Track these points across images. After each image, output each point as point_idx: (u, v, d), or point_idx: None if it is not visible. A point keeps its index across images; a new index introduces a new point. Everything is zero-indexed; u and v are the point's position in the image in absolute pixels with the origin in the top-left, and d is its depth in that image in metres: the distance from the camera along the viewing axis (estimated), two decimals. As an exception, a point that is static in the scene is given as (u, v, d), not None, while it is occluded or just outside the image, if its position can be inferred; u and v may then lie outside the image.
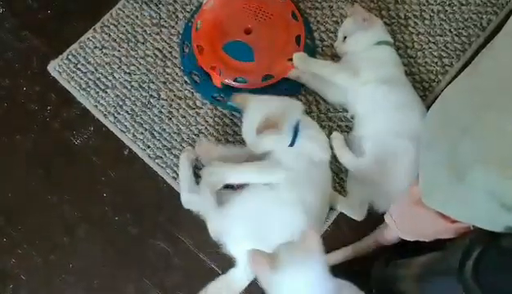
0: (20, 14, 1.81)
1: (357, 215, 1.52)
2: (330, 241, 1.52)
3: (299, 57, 1.59)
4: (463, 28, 1.77)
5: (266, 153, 1.47)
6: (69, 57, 1.73)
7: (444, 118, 1.30)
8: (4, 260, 1.54)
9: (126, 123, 1.66)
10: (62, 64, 1.72)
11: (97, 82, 1.71)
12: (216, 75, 1.59)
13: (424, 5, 1.80)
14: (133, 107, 1.67)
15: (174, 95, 1.68)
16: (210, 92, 1.66)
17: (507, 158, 1.02)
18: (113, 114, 1.67)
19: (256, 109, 1.43)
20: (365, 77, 1.54)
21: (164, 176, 1.60)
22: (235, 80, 1.59)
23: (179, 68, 1.71)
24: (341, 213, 1.55)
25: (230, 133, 1.64)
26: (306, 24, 1.72)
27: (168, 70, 1.71)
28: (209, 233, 1.46)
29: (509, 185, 1.01)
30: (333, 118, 1.65)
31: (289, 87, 1.67)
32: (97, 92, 1.69)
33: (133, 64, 1.72)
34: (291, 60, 1.60)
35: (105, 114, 1.67)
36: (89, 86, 1.70)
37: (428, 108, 1.49)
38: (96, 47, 1.74)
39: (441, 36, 1.76)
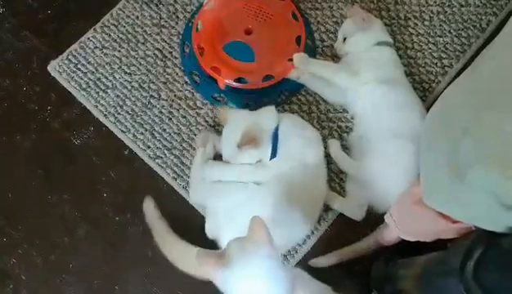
0: (21, 14, 1.81)
1: (357, 215, 1.52)
2: (330, 241, 1.53)
3: (300, 57, 1.59)
4: (462, 30, 1.77)
5: None
6: (70, 57, 1.73)
7: (445, 119, 1.30)
8: (4, 260, 1.54)
9: (126, 123, 1.66)
10: (62, 65, 1.72)
11: (98, 82, 1.71)
12: (220, 78, 1.59)
13: (424, 6, 1.80)
14: (134, 107, 1.67)
15: (174, 96, 1.69)
16: (210, 92, 1.67)
17: (507, 158, 1.02)
18: (113, 114, 1.67)
19: (235, 124, 1.46)
20: (365, 77, 1.55)
21: (164, 176, 1.60)
22: (235, 80, 1.59)
23: (179, 68, 1.71)
24: (341, 213, 1.55)
25: (230, 133, 1.64)
26: (306, 24, 1.72)
27: (168, 70, 1.71)
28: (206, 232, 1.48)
29: (510, 185, 1.01)
30: (333, 119, 1.66)
31: (290, 88, 1.67)
32: (98, 92, 1.69)
33: (134, 65, 1.72)
34: (291, 60, 1.60)
35: (105, 114, 1.67)
36: (89, 87, 1.70)
37: (427, 108, 1.49)
38: (96, 47, 1.74)
39: (440, 37, 1.76)
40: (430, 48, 1.75)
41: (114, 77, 1.71)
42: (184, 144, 1.63)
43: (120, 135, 1.65)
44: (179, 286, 1.50)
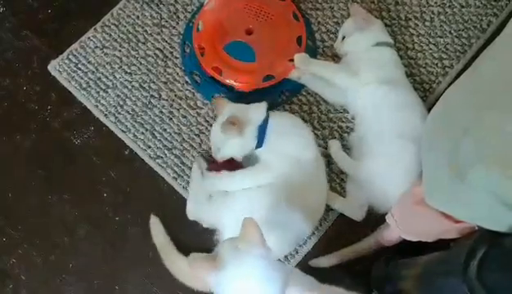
0: (21, 13, 1.80)
1: (357, 215, 1.52)
2: (330, 241, 1.53)
3: (300, 58, 1.59)
4: (463, 30, 1.77)
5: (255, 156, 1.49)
6: (70, 57, 1.73)
7: (445, 119, 1.30)
8: (4, 260, 1.54)
9: (127, 123, 1.65)
10: (63, 64, 1.72)
11: (98, 81, 1.70)
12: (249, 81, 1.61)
13: (425, 6, 1.80)
14: (134, 107, 1.67)
15: (175, 96, 1.68)
16: (211, 92, 1.66)
17: (508, 157, 1.02)
18: (113, 114, 1.66)
19: (225, 114, 1.46)
20: (365, 78, 1.55)
21: (165, 176, 1.60)
22: (236, 80, 1.59)
23: (180, 68, 1.71)
24: (341, 214, 1.55)
25: (230, 133, 1.64)
26: (307, 24, 1.72)
27: (168, 70, 1.71)
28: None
29: (511, 185, 1.01)
30: (333, 119, 1.66)
31: (290, 88, 1.67)
32: (98, 92, 1.69)
33: (134, 64, 1.72)
34: (292, 60, 1.60)
35: (105, 114, 1.66)
36: (90, 86, 1.70)
37: (428, 109, 1.50)
38: (96, 47, 1.74)
39: (441, 37, 1.76)
40: (431, 49, 1.75)
41: (115, 77, 1.71)
42: (184, 144, 1.63)
43: (121, 135, 1.64)
44: (179, 286, 1.49)
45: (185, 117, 1.66)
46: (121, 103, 1.68)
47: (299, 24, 1.66)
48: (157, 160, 1.61)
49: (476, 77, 1.29)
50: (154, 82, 1.70)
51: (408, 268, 1.32)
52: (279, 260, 1.50)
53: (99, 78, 1.71)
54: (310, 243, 1.53)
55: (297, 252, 1.52)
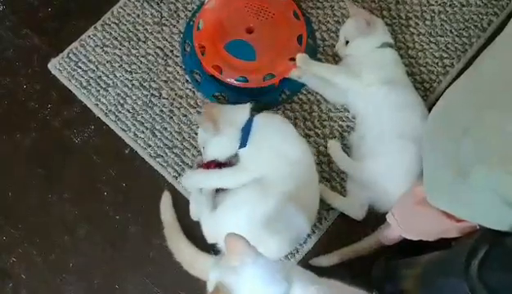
0: (21, 12, 1.80)
1: (357, 215, 1.52)
2: (331, 241, 1.53)
3: (301, 58, 1.59)
4: (464, 29, 1.77)
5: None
6: (70, 55, 1.73)
7: (446, 118, 1.30)
8: (4, 259, 1.53)
9: (127, 122, 1.65)
10: (63, 63, 1.72)
11: (98, 80, 1.70)
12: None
13: (425, 5, 1.80)
14: (134, 106, 1.67)
15: (175, 94, 1.68)
16: (211, 91, 1.66)
17: (508, 157, 1.02)
18: (114, 113, 1.66)
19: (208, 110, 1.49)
20: (367, 79, 1.55)
21: (165, 175, 1.60)
22: (237, 79, 1.59)
23: (180, 67, 1.71)
24: (341, 213, 1.55)
25: (231, 132, 1.64)
26: (308, 23, 1.72)
27: (169, 69, 1.71)
28: (205, 237, 1.47)
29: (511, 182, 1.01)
30: (334, 118, 1.66)
31: (291, 87, 1.67)
32: (98, 91, 1.69)
33: (134, 63, 1.72)
34: (292, 59, 1.60)
35: (105, 113, 1.66)
36: (90, 85, 1.69)
37: (429, 108, 1.50)
38: (97, 46, 1.74)
39: (442, 36, 1.76)
40: (431, 48, 1.75)
41: (115, 76, 1.70)
42: (185, 143, 1.62)
43: (121, 134, 1.64)
44: (180, 285, 1.50)
45: (185, 115, 1.66)
46: (121, 102, 1.67)
47: (300, 23, 1.66)
48: (157, 159, 1.61)
49: (476, 77, 1.29)
50: (154, 81, 1.70)
51: (409, 267, 1.32)
52: (279, 259, 1.50)
53: (99, 77, 1.70)
54: (310, 242, 1.53)
55: (297, 251, 1.52)
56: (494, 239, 1.03)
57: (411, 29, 1.77)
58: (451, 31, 1.77)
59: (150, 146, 1.63)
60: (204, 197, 1.49)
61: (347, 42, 1.63)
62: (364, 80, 1.54)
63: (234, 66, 1.60)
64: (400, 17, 1.78)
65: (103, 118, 1.66)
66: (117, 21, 1.77)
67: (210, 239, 1.48)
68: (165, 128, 1.64)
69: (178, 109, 1.67)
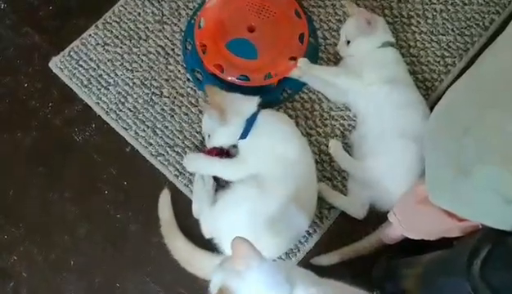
0: (22, 10, 1.80)
1: (358, 214, 1.52)
2: (332, 240, 1.53)
3: (303, 63, 1.59)
4: (465, 28, 1.77)
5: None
6: (71, 54, 1.72)
7: (448, 117, 1.30)
8: (5, 258, 1.53)
9: (128, 120, 1.65)
10: (64, 61, 1.71)
11: (99, 78, 1.70)
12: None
13: (427, 4, 1.80)
14: (135, 104, 1.67)
15: (176, 93, 1.68)
16: (213, 90, 1.66)
17: (508, 156, 1.02)
18: (115, 111, 1.66)
19: (215, 98, 1.48)
20: (368, 78, 1.54)
21: (166, 174, 1.59)
22: (238, 78, 1.58)
23: (182, 65, 1.71)
24: (342, 212, 1.54)
25: (232, 130, 1.63)
26: (309, 22, 1.71)
27: (170, 67, 1.71)
28: (203, 233, 1.48)
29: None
30: (335, 117, 1.65)
31: (292, 85, 1.67)
32: (99, 89, 1.68)
33: (135, 61, 1.71)
34: (293, 59, 1.60)
35: (106, 111, 1.66)
36: (91, 83, 1.69)
37: (430, 107, 1.49)
38: (98, 44, 1.74)
39: (443, 35, 1.76)
40: (433, 46, 1.74)
41: (116, 74, 1.70)
42: (186, 142, 1.62)
43: (122, 133, 1.64)
44: (180, 283, 1.49)
45: (186, 114, 1.65)
46: (122, 100, 1.67)
47: (302, 22, 1.66)
48: (158, 158, 1.61)
49: (478, 76, 1.28)
50: (155, 80, 1.69)
51: (410, 267, 1.32)
52: (280, 257, 1.50)
53: (100, 75, 1.70)
54: (311, 241, 1.53)
55: (298, 250, 1.52)
56: (496, 238, 1.03)
57: (413, 28, 1.76)
58: (452, 30, 1.76)
59: (151, 145, 1.62)
60: (205, 193, 1.50)
61: (348, 42, 1.63)
62: (365, 80, 1.54)
63: (235, 65, 1.59)
64: (402, 16, 1.78)
65: (104, 117, 1.66)
66: (118, 20, 1.77)
67: (207, 234, 1.48)
68: (166, 127, 1.64)
69: (179, 107, 1.66)
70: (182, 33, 1.74)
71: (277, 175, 1.43)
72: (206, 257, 1.45)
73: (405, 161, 1.46)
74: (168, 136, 1.63)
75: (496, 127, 1.07)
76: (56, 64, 1.71)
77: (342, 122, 1.65)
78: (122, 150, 1.63)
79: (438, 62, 1.72)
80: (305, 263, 1.50)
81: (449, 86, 1.43)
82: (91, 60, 1.72)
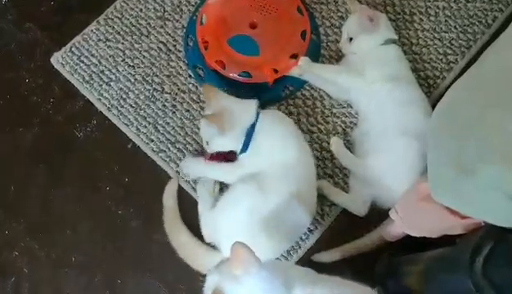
0: (23, 5, 1.79)
1: (360, 211, 1.52)
2: (333, 237, 1.53)
3: (304, 62, 1.59)
4: (468, 25, 1.76)
5: None
6: (73, 49, 1.72)
7: (450, 116, 1.29)
8: (6, 254, 1.53)
9: (129, 117, 1.65)
10: (66, 57, 1.71)
11: (101, 74, 1.69)
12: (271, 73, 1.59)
13: (430, 1, 1.79)
14: (137, 100, 1.67)
15: (178, 89, 1.68)
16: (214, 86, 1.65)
17: (509, 155, 1.01)
18: (116, 107, 1.66)
19: (216, 107, 1.45)
20: (370, 76, 1.54)
21: (168, 170, 1.59)
22: (240, 74, 1.58)
23: (183, 61, 1.70)
24: (344, 209, 1.54)
25: (234, 127, 1.63)
26: (311, 19, 1.71)
27: (172, 64, 1.70)
28: (204, 238, 1.48)
29: None
30: (337, 114, 1.65)
31: (294, 82, 1.67)
32: (101, 85, 1.68)
33: (137, 57, 1.71)
34: (294, 56, 1.60)
35: (108, 107, 1.66)
36: (92, 79, 1.69)
37: (432, 105, 1.49)
38: (99, 40, 1.73)
39: (446, 32, 1.75)
40: (435, 44, 1.74)
41: (118, 70, 1.70)
42: (188, 138, 1.62)
43: (123, 129, 1.64)
44: (181, 280, 1.50)
45: (188, 110, 1.65)
46: (124, 96, 1.67)
47: (304, 19, 1.65)
48: (160, 154, 1.61)
49: (480, 75, 1.28)
50: (157, 76, 1.69)
51: (412, 264, 1.32)
52: (281, 254, 1.50)
53: (102, 71, 1.70)
54: (313, 238, 1.53)
55: (299, 247, 1.52)
56: (499, 236, 1.03)
57: (415, 25, 1.76)
58: (455, 27, 1.76)
59: (152, 141, 1.62)
60: (205, 194, 1.51)
61: (350, 40, 1.62)
62: (368, 78, 1.54)
63: (237, 61, 1.59)
64: (404, 13, 1.77)
65: (105, 113, 1.65)
66: (120, 15, 1.76)
67: (207, 238, 1.48)
68: (168, 123, 1.64)
69: (181, 103, 1.66)
70: (184, 30, 1.74)
71: (277, 174, 1.42)
72: (208, 253, 1.45)
73: (407, 159, 1.46)
74: (169, 133, 1.63)
75: (497, 127, 1.06)
76: (57, 59, 1.71)
77: (344, 119, 1.65)
78: (123, 146, 1.63)
79: (441, 59, 1.72)
80: (306, 260, 1.50)
81: (451, 83, 1.42)
82: (92, 55, 1.72)
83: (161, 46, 1.73)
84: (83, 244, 1.54)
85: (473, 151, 1.08)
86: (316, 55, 1.69)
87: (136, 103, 1.66)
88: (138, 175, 1.60)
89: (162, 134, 1.63)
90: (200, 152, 1.59)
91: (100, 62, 1.71)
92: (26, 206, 1.58)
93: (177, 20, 1.76)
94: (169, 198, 1.54)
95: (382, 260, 1.43)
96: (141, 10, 1.77)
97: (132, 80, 1.69)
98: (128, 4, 1.78)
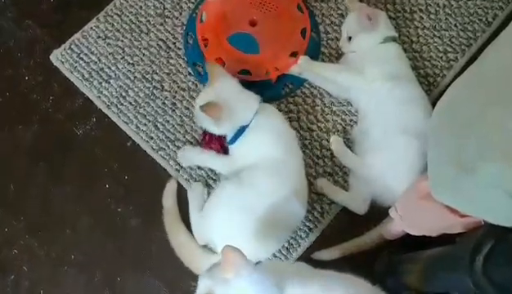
0: (23, 3, 1.79)
1: (360, 209, 1.52)
2: (332, 235, 1.53)
3: (304, 60, 1.58)
4: (468, 23, 1.76)
5: None
6: (72, 47, 1.72)
7: (450, 114, 1.29)
8: (6, 251, 1.53)
9: (129, 114, 1.64)
10: (65, 54, 1.71)
11: (100, 72, 1.69)
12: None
13: (430, -1, 1.79)
14: (136, 98, 1.66)
15: (178, 87, 1.67)
16: (214, 84, 1.65)
17: (509, 153, 1.01)
18: (116, 105, 1.65)
19: (222, 89, 1.44)
20: (370, 75, 1.53)
21: (167, 168, 1.59)
22: (239, 72, 1.58)
23: (183, 59, 1.70)
24: (344, 207, 1.54)
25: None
26: (311, 16, 1.71)
27: (171, 61, 1.70)
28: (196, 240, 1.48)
29: None
30: (337, 112, 1.65)
31: (294, 80, 1.66)
32: (100, 83, 1.68)
33: (137, 55, 1.71)
34: (293, 54, 1.59)
35: (108, 105, 1.65)
36: (92, 77, 1.69)
37: (432, 103, 1.49)
38: (99, 37, 1.73)
39: (446, 30, 1.75)
40: (436, 42, 1.74)
41: (117, 68, 1.70)
42: (187, 136, 1.62)
43: (123, 127, 1.64)
44: (181, 278, 1.49)
45: (187, 108, 1.65)
46: (123, 94, 1.67)
47: (304, 16, 1.65)
48: (159, 152, 1.61)
49: (480, 73, 1.27)
50: (156, 73, 1.69)
51: (412, 262, 1.32)
52: (280, 252, 1.50)
53: (101, 69, 1.70)
54: (312, 236, 1.53)
55: (299, 245, 1.52)
56: (499, 235, 1.02)
57: (416, 23, 1.76)
58: (455, 25, 1.76)
59: (152, 139, 1.62)
60: (194, 198, 1.52)
61: (350, 38, 1.62)
62: (368, 76, 1.53)
63: (237, 59, 1.59)
64: (404, 11, 1.77)
65: (105, 111, 1.65)
66: (119, 13, 1.76)
67: (200, 241, 1.48)
68: (167, 121, 1.64)
69: (180, 101, 1.66)
70: (184, 27, 1.74)
71: (268, 168, 1.42)
72: (205, 255, 1.45)
73: (407, 157, 1.45)
74: (169, 130, 1.63)
75: (497, 125, 1.06)
76: (57, 57, 1.71)
77: (343, 117, 1.64)
78: (123, 144, 1.63)
79: (441, 57, 1.72)
80: (306, 258, 1.50)
81: (451, 81, 1.42)
82: (92, 53, 1.71)
83: (161, 43, 1.72)
84: (83, 242, 1.54)
85: (473, 149, 1.08)
86: (316, 53, 1.68)
87: (135, 101, 1.66)
88: (138, 173, 1.60)
89: (161, 132, 1.63)
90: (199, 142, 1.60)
91: (99, 59, 1.70)
92: (26, 204, 1.58)
93: (177, 18, 1.75)
94: (169, 199, 1.54)
95: (382, 259, 1.44)
96: (140, 7, 1.77)
97: (132, 78, 1.68)
98: (127, 1, 1.77)
